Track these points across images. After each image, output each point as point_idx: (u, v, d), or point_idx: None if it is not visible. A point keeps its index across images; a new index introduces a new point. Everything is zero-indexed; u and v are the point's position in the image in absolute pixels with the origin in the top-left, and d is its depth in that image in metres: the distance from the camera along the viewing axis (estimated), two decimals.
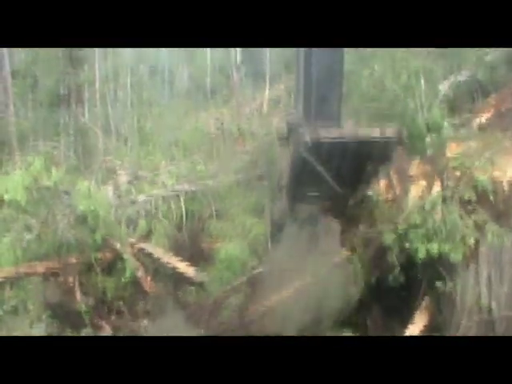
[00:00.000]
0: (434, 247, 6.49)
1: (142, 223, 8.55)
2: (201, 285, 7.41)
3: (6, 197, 8.00)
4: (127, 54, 20.97)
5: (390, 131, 7.37)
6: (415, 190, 7.34)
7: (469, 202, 6.90)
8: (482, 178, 6.89)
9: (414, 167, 7.57)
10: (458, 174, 7.06)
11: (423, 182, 7.34)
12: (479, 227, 6.84)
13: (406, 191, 7.30)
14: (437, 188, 7.11)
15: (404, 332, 6.22)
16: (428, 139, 8.18)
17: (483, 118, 8.67)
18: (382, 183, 7.42)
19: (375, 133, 7.32)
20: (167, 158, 13.96)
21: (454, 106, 9.22)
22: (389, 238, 6.74)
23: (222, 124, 14.33)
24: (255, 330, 5.90)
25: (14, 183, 7.80)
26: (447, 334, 6.12)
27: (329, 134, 7.03)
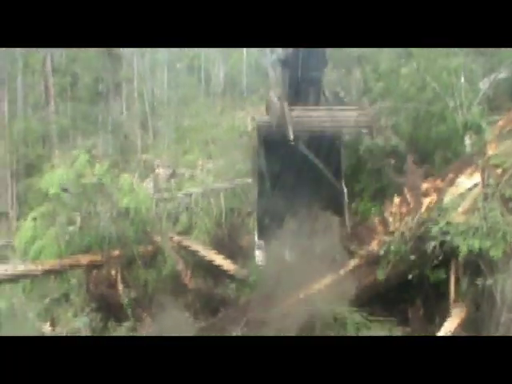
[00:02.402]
0: (475, 243, 6.49)
1: (183, 218, 8.67)
2: (241, 281, 7.46)
3: (50, 191, 8.19)
4: (164, 52, 21.24)
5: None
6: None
7: (510, 199, 6.86)
8: None
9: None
10: (499, 171, 7.02)
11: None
12: None
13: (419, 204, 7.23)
14: (476, 186, 7.08)
15: (443, 325, 6.21)
16: (467, 138, 8.17)
17: None
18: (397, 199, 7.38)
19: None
20: (204, 155, 14.13)
21: (493, 105, 9.15)
22: (431, 232, 6.73)
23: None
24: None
25: (59, 178, 7.99)
26: (486, 330, 6.09)
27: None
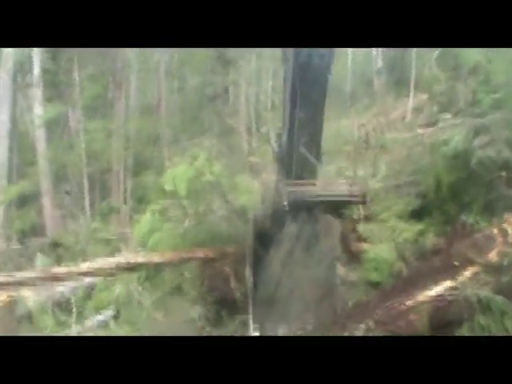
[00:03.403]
0: None
1: None
2: (351, 284, 7.61)
3: (167, 187, 8.63)
4: (269, 56, 21.57)
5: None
6: None
7: None
8: None
9: None
10: None
11: None
12: None
13: None
14: None
15: None
16: None
17: None
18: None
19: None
20: None
21: None
22: None
23: (366, 132, 14.50)
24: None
25: (179, 175, 8.39)
26: None
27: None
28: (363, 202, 7.96)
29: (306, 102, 7.27)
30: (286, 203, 7.80)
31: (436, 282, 6.09)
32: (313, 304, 7.19)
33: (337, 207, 8.42)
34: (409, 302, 6.01)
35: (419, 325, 5.68)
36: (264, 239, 8.42)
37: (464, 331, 5.88)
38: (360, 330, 5.83)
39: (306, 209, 8.05)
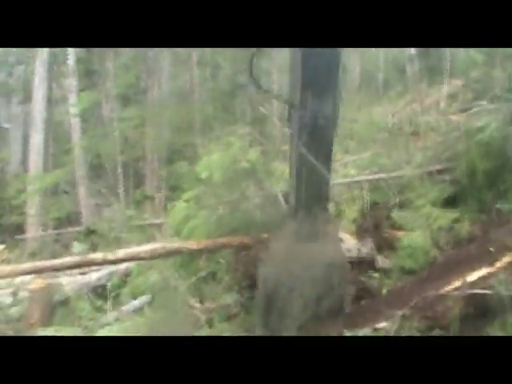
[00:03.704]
0: None
1: (331, 207, 8.91)
2: (385, 271, 7.60)
3: (203, 175, 8.70)
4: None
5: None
6: None
7: None
8: None
9: None
10: None
11: None
12: None
13: None
14: None
15: None
16: None
17: None
18: None
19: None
20: (342, 149, 14.32)
21: None
22: None
23: (400, 119, 14.43)
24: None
25: (215, 163, 8.47)
26: None
27: None
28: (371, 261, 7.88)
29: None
30: None
31: (473, 269, 6.05)
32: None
33: None
34: (445, 289, 5.97)
35: (456, 311, 5.64)
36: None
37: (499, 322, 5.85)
38: (397, 317, 5.81)
39: None
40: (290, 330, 5.87)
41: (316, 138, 6.24)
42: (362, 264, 7.71)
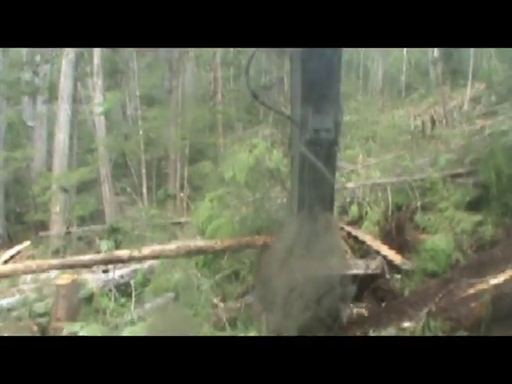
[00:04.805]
0: None
1: (354, 209, 8.97)
2: (406, 273, 7.62)
3: (226, 175, 8.76)
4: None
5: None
6: None
7: None
8: None
9: None
10: None
11: None
12: None
13: None
14: None
15: None
16: None
17: None
18: None
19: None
20: (364, 151, 14.36)
21: None
22: None
23: (423, 121, 14.44)
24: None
25: (239, 163, 8.51)
26: None
27: None
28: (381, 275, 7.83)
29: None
30: None
31: (496, 272, 6.07)
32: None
33: None
34: (470, 290, 5.99)
35: (480, 312, 5.67)
36: None
37: None
38: (421, 317, 5.85)
39: None
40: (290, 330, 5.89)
41: (317, 151, 6.16)
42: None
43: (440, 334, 5.58)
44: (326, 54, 5.84)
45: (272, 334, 6.14)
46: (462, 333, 5.56)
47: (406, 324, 5.97)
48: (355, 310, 7.32)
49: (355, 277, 6.98)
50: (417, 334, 5.64)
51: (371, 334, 5.90)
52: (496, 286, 5.84)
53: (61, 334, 6.61)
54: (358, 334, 6.04)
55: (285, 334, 5.81)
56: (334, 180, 6.51)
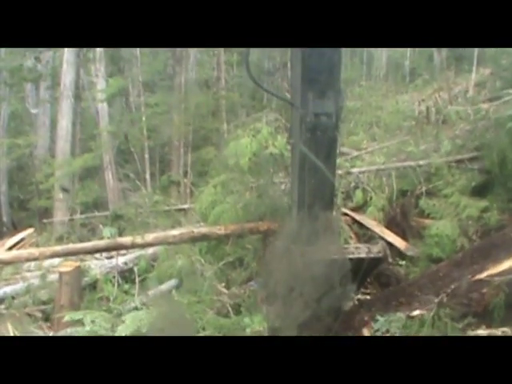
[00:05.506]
0: None
1: (359, 194, 8.91)
2: (411, 259, 7.59)
3: (230, 161, 8.70)
4: None
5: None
6: None
7: None
8: None
9: None
10: None
11: None
12: None
13: None
14: None
15: None
16: None
17: None
18: None
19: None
20: (368, 137, 14.30)
21: None
22: None
23: (427, 107, 14.34)
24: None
25: (242, 149, 8.43)
26: None
27: None
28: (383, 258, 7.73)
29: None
30: None
31: (504, 257, 6.00)
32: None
33: None
34: (479, 276, 5.92)
35: (492, 298, 5.59)
36: None
37: None
38: (431, 303, 5.78)
39: None
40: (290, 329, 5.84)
41: (317, 136, 6.06)
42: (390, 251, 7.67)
43: (450, 322, 5.50)
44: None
45: (272, 324, 6.12)
46: (471, 319, 5.50)
47: (416, 312, 5.89)
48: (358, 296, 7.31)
49: (360, 260, 6.90)
50: (426, 323, 5.56)
51: (378, 318, 5.81)
52: (509, 271, 5.75)
53: (63, 321, 6.61)
54: (366, 318, 5.98)
55: (285, 324, 5.79)
56: (335, 170, 6.44)
